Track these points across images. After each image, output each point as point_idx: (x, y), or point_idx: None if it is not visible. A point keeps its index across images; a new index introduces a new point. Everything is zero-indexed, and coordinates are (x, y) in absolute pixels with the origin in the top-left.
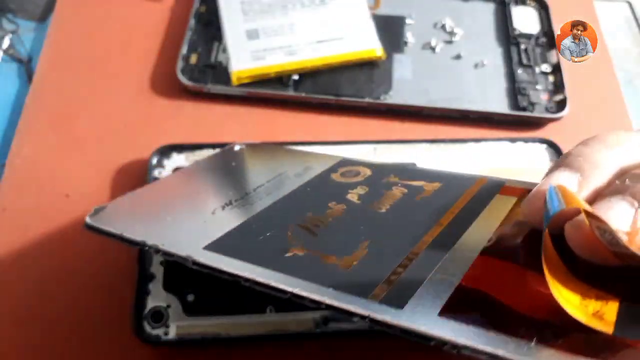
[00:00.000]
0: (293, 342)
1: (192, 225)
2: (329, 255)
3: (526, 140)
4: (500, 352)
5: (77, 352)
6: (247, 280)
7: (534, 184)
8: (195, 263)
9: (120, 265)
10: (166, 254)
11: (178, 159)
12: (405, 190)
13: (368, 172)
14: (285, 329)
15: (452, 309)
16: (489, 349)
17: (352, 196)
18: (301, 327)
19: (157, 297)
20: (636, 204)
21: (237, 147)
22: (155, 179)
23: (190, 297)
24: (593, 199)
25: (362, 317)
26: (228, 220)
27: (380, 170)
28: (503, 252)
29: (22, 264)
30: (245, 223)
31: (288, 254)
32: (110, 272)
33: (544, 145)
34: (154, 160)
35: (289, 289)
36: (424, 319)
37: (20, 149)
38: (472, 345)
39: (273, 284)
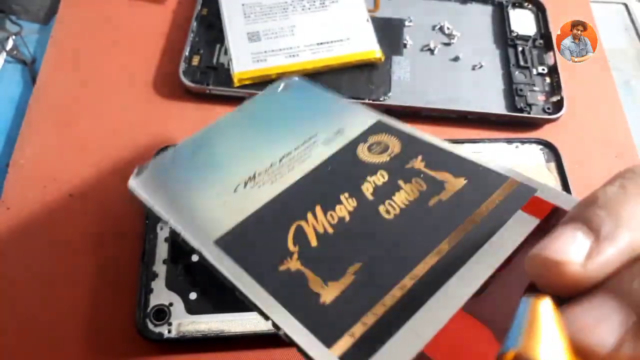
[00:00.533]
0: None
1: (214, 207)
2: (317, 276)
3: (523, 141)
4: None
5: (81, 349)
6: (240, 292)
7: (567, 200)
8: (203, 259)
9: (123, 264)
10: (184, 241)
11: None
12: (424, 187)
13: (397, 148)
14: None
15: None
16: None
17: (368, 187)
18: None
19: (160, 296)
20: (634, 316)
21: (281, 86)
22: None
23: (193, 296)
24: (601, 281)
25: None
26: (245, 205)
27: (410, 147)
28: (486, 311)
29: (25, 262)
30: (256, 213)
31: (282, 267)
32: (114, 271)
33: (541, 146)
34: None
35: (268, 314)
36: None
37: (24, 149)
38: None
39: (258, 304)
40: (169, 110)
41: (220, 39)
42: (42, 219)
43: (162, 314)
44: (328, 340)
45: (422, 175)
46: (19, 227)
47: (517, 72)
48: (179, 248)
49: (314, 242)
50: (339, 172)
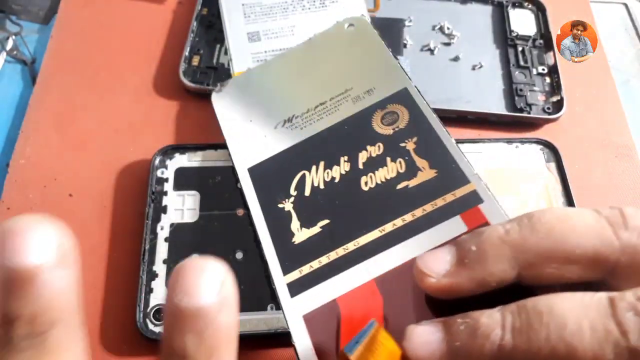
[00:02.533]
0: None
1: (257, 138)
2: (298, 220)
3: (523, 141)
4: None
5: None
6: (248, 213)
7: (500, 218)
8: (237, 178)
9: (123, 264)
10: (231, 160)
11: (180, 159)
12: (403, 169)
13: (404, 122)
14: (286, 327)
15: (316, 319)
16: None
17: (363, 156)
18: None
19: (160, 296)
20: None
21: (346, 25)
22: (159, 179)
23: None
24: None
25: (272, 287)
26: (276, 143)
27: (414, 125)
28: (387, 287)
29: None
30: (280, 153)
31: (280, 205)
32: (114, 271)
33: (541, 146)
34: (157, 161)
35: (259, 235)
36: (293, 313)
37: (24, 149)
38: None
39: (256, 225)
40: (169, 110)
41: (220, 39)
42: None
43: (162, 314)
44: (286, 270)
45: (406, 158)
46: None
47: (517, 72)
48: (179, 248)
49: (307, 192)
50: (349, 134)
